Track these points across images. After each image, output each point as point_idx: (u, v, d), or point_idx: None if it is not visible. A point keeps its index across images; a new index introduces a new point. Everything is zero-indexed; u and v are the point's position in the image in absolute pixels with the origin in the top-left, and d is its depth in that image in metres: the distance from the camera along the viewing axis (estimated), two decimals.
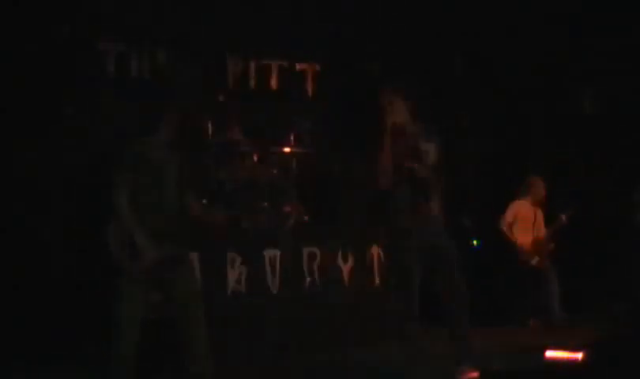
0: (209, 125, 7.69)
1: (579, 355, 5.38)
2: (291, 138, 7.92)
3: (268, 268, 6.83)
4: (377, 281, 7.26)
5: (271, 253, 6.87)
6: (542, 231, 8.03)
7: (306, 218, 7.55)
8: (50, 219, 6.35)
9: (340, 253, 7.16)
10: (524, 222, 7.99)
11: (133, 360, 5.08)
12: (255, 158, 7.67)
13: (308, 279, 6.98)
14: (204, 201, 6.66)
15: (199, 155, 7.06)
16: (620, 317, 7.54)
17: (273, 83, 8.40)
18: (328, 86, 8.47)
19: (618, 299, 7.91)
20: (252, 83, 8.28)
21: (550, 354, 5.61)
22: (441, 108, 8.21)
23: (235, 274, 6.68)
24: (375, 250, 7.27)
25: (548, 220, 8.06)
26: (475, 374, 5.09)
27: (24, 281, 6.06)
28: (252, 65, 8.26)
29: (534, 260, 7.95)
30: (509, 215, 7.98)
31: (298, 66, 8.48)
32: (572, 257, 8.05)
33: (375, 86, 8.07)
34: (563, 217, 7.91)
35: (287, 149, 7.89)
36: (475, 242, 8.80)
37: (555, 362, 5.47)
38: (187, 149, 5.26)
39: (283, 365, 6.19)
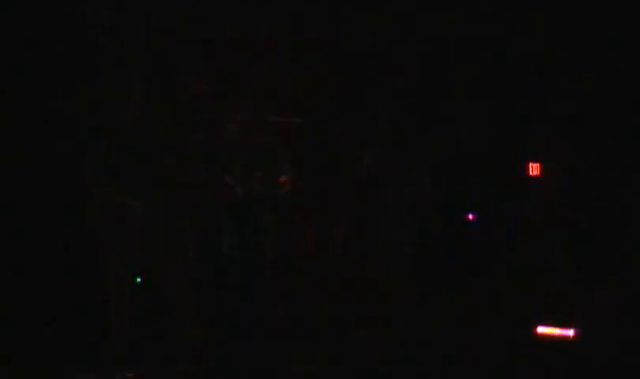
0: (207, 92, 7.64)
1: (570, 332, 5.43)
2: (289, 107, 7.87)
3: (262, 235, 6.83)
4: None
5: (266, 220, 6.87)
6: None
7: (302, 186, 7.54)
8: (44, 191, 6.23)
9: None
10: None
11: (124, 327, 5.11)
12: (252, 125, 7.64)
13: (303, 246, 6.99)
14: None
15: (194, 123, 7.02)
16: (610, 296, 7.57)
17: (271, 50, 8.33)
18: (327, 58, 8.41)
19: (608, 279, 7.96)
20: (251, 50, 8.22)
21: (542, 330, 5.67)
22: (438, 89, 8.21)
23: (230, 240, 6.69)
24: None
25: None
26: None
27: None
28: (250, 30, 8.19)
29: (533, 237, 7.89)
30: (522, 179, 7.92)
31: (297, 34, 8.41)
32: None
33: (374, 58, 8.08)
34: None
35: (284, 118, 7.85)
36: (470, 216, 8.80)
37: (547, 338, 5.53)
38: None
39: (275, 331, 6.21)
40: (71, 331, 5.66)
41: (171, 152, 5.22)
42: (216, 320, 5.63)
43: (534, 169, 8.62)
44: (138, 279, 5.61)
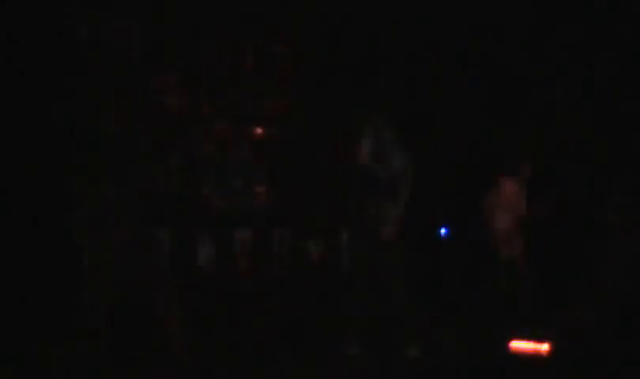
0: (182, 103, 7.62)
1: (544, 347, 5.49)
2: (265, 119, 7.89)
3: (238, 249, 6.83)
4: (347, 265, 7.28)
5: (242, 234, 6.88)
6: (522, 213, 7.88)
7: (277, 200, 7.56)
8: (14, 203, 6.16)
9: (311, 237, 7.19)
10: (507, 202, 7.75)
11: (103, 338, 5.09)
12: (228, 138, 7.63)
13: (278, 261, 7.00)
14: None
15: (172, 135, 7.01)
16: (585, 311, 7.65)
17: (248, 62, 8.34)
18: (302, 68, 8.44)
19: (584, 295, 8.03)
20: (226, 61, 8.22)
21: (515, 344, 5.73)
22: (417, 98, 8.27)
23: (205, 253, 6.68)
24: (345, 235, 7.29)
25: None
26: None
27: None
28: (227, 43, 8.19)
29: (502, 253, 7.82)
30: (492, 195, 7.77)
31: (273, 47, 8.43)
32: (543, 252, 8.07)
33: (352, 71, 8.13)
34: (542, 207, 7.86)
35: (260, 130, 7.86)
36: (442, 230, 8.87)
37: (520, 353, 5.58)
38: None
39: (251, 346, 6.21)
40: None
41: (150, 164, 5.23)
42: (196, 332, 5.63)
43: None
44: None
